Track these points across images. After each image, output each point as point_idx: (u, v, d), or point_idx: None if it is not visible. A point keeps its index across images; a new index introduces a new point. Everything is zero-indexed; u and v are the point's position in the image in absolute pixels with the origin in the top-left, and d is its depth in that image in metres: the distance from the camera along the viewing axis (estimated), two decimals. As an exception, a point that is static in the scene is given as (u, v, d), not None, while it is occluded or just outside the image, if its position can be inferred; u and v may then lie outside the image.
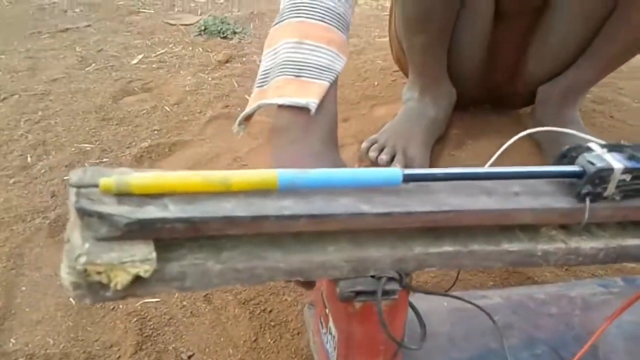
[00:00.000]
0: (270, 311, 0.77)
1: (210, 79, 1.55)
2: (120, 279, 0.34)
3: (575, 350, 0.58)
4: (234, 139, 1.27)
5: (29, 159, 1.17)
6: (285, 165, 0.50)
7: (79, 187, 0.35)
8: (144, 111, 1.37)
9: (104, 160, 1.16)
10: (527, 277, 0.84)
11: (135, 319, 0.76)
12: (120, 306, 0.78)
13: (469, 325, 0.59)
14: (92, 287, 0.34)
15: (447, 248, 0.42)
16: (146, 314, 0.77)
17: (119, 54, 1.74)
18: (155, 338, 0.73)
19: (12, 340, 0.74)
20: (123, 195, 0.36)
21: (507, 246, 0.44)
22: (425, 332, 0.45)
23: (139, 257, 0.34)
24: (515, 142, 1.33)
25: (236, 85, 1.50)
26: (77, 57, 1.71)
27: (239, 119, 0.63)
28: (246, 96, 1.43)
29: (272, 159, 0.56)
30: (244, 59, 1.69)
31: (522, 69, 1.15)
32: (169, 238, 0.37)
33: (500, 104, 1.30)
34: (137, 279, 0.35)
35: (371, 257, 0.41)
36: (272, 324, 0.75)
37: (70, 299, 0.80)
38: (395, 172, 0.40)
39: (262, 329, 0.74)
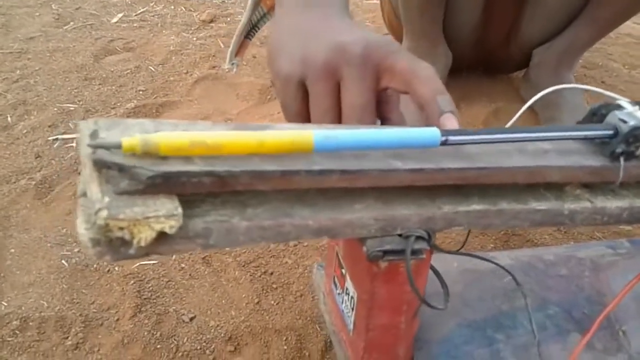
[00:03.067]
0: (272, 273, 0.76)
1: (194, 39, 1.50)
2: (144, 235, 0.32)
3: (587, 311, 0.58)
4: (223, 100, 1.24)
5: (9, 118, 1.12)
6: (290, 31, 0.45)
7: (98, 147, 0.32)
8: (128, 71, 1.32)
9: (89, 120, 1.12)
10: (526, 240, 0.84)
11: (132, 281, 0.74)
12: (116, 268, 0.76)
13: (480, 286, 0.59)
14: (112, 243, 0.32)
15: (476, 207, 0.41)
16: (144, 276, 0.75)
17: (97, 12, 1.68)
18: (154, 300, 0.71)
19: (3, 302, 0.71)
20: (145, 146, 0.33)
21: (535, 205, 0.43)
22: (447, 292, 0.44)
23: (164, 212, 0.32)
24: (508, 105, 1.31)
25: (222, 46, 1.46)
26: (53, 14, 1.64)
27: (229, 51, 0.60)
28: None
29: (277, 27, 0.48)
30: (228, 19, 1.64)
31: (518, 31, 1.14)
32: (190, 193, 0.34)
33: (493, 68, 1.29)
34: (161, 236, 0.33)
35: (399, 215, 0.40)
36: (274, 286, 0.74)
37: (63, 261, 0.77)
38: (434, 133, 0.38)
39: (265, 291, 0.73)
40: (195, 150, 0.34)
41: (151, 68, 1.34)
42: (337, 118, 0.44)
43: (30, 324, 0.68)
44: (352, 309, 0.49)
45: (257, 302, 0.72)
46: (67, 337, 0.67)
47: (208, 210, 0.35)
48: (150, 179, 0.31)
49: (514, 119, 0.52)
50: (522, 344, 0.54)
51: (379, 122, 0.46)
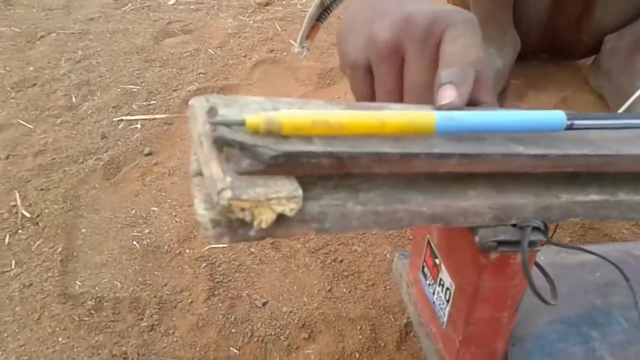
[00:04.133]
0: (341, 261, 0.75)
1: (251, 22, 1.49)
2: (265, 217, 0.30)
3: (686, 310, 0.55)
4: (282, 84, 1.22)
5: (73, 99, 1.13)
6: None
7: (220, 124, 0.31)
8: (187, 54, 1.32)
9: (152, 102, 1.12)
10: (604, 234, 0.81)
11: (204, 264, 0.73)
12: (187, 251, 0.76)
13: (570, 281, 0.56)
14: (232, 225, 0.31)
15: (594, 197, 0.39)
16: (214, 260, 0.74)
17: (154, -6, 1.68)
18: (227, 284, 0.71)
19: (77, 282, 0.72)
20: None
21: (654, 197, 0.40)
22: (554, 287, 0.42)
23: (285, 194, 0.30)
24: (576, 94, 1.25)
25: (279, 29, 1.44)
26: (111, -4, 1.65)
27: (300, 34, 0.58)
28: (291, 40, 1.38)
29: (347, 11, 0.46)
30: (284, 2, 1.63)
31: (590, 16, 1.09)
32: (304, 175, 0.33)
33: (560, 53, 1.24)
34: (279, 218, 0.31)
35: (515, 204, 0.38)
36: (345, 274, 0.73)
37: (134, 242, 0.78)
38: (559, 116, 0.36)
39: (336, 279, 0.72)
40: (316, 129, 0.32)
41: (210, 51, 1.33)
42: (402, 100, 0.41)
43: (105, 304, 0.69)
44: (448, 301, 0.47)
45: (329, 290, 0.71)
46: (142, 319, 0.67)
47: (321, 194, 0.34)
48: (273, 158, 0.30)
49: (625, 106, 0.49)
50: (618, 342, 0.51)
51: None
